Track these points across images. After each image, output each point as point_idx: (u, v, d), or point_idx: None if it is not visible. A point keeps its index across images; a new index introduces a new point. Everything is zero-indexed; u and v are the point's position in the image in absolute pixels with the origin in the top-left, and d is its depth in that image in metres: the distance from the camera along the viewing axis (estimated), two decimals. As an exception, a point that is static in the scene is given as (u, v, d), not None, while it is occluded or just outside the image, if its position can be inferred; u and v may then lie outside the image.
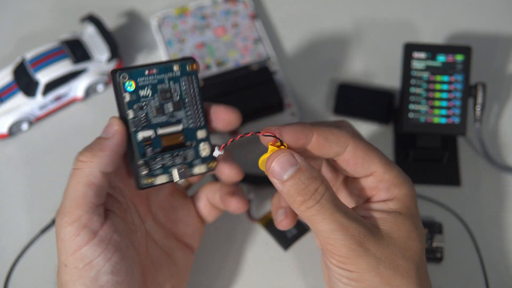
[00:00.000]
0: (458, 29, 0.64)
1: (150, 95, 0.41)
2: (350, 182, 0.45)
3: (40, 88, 0.57)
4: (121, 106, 0.40)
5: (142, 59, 0.63)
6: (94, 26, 0.61)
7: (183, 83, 0.42)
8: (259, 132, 0.39)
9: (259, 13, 0.65)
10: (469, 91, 0.54)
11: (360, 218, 0.38)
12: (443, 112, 0.53)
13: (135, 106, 0.40)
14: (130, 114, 0.40)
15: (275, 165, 0.38)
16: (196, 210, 0.48)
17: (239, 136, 0.39)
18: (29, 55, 0.58)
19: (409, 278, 0.38)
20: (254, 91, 0.58)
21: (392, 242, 0.38)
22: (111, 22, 0.64)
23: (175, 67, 0.41)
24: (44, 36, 0.62)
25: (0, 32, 0.65)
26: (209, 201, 0.48)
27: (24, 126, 0.59)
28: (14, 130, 0.58)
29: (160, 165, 0.41)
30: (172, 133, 0.42)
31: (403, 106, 0.54)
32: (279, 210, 0.45)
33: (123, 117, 0.41)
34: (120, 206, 0.42)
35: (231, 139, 0.39)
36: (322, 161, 0.46)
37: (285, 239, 0.53)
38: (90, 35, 0.61)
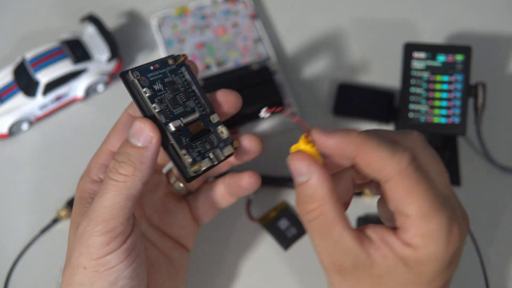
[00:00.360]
0: (458, 29, 0.64)
1: (162, 88, 0.41)
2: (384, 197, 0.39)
3: (40, 88, 0.57)
4: (144, 103, 0.40)
5: (142, 59, 0.63)
6: (94, 26, 0.61)
7: (181, 74, 0.43)
8: (306, 126, 0.36)
9: (259, 13, 0.65)
10: (469, 91, 0.54)
11: (350, 249, 0.35)
12: (443, 112, 0.53)
13: (156, 100, 0.40)
14: (157, 107, 0.40)
15: (291, 167, 0.36)
16: (192, 211, 0.48)
17: (280, 109, 0.38)
18: (29, 55, 0.58)
19: None
20: (254, 91, 0.58)
21: (372, 280, 0.35)
22: (111, 22, 0.64)
23: (170, 61, 0.42)
24: (44, 36, 0.62)
25: (0, 32, 0.65)
26: (209, 198, 0.47)
27: (24, 126, 0.59)
28: (14, 130, 0.58)
29: (197, 153, 0.41)
30: (193, 120, 0.42)
31: (403, 106, 0.54)
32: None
33: (148, 116, 0.40)
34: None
35: (280, 108, 0.39)
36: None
37: (285, 239, 0.53)
38: (90, 35, 0.61)
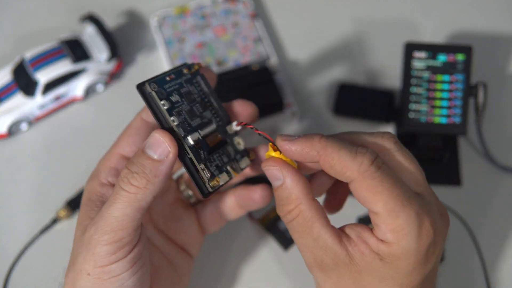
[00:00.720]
0: (459, 28, 0.64)
1: (179, 99, 0.40)
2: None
3: (40, 88, 0.57)
4: (162, 116, 0.38)
5: (142, 59, 0.63)
6: (94, 25, 0.61)
7: (197, 83, 0.41)
8: (270, 140, 0.39)
9: (259, 13, 0.65)
10: (469, 91, 0.54)
11: (330, 246, 0.36)
12: (444, 112, 0.53)
13: (174, 112, 0.39)
14: (175, 120, 0.38)
15: (266, 172, 0.38)
16: (199, 220, 0.47)
17: (250, 126, 0.41)
18: (29, 54, 0.58)
19: None
20: (254, 91, 0.57)
21: (352, 276, 0.36)
22: (111, 21, 0.64)
23: (185, 70, 0.41)
24: (44, 35, 0.62)
25: (0, 31, 0.65)
26: (218, 209, 0.47)
27: (24, 126, 0.59)
28: (13, 130, 0.58)
29: (215, 167, 0.40)
30: (211, 132, 0.41)
31: (403, 106, 0.53)
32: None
33: (166, 128, 0.39)
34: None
35: (249, 125, 0.41)
36: None
37: (285, 239, 0.53)
38: (90, 35, 0.61)
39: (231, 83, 0.58)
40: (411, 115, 0.53)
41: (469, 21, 0.64)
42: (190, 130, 0.39)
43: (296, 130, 0.59)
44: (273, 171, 0.38)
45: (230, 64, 0.61)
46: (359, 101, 0.59)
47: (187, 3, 0.65)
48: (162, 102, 0.38)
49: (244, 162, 0.43)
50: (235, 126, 0.41)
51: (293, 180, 0.37)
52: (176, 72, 0.41)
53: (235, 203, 0.46)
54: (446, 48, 0.54)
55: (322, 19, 0.65)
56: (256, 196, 0.45)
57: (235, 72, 0.59)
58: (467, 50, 0.54)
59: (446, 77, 0.54)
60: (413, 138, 0.55)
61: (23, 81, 0.57)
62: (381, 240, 0.36)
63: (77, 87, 0.59)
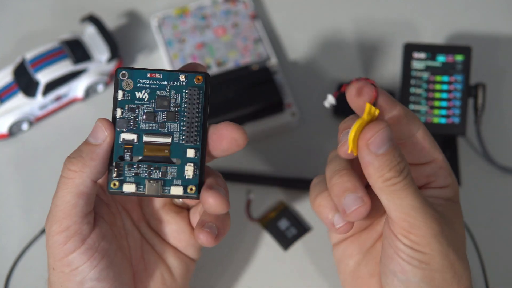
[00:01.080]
0: (458, 29, 0.64)
1: (146, 99, 0.39)
2: None
3: (40, 88, 0.57)
4: (113, 103, 0.39)
5: (142, 59, 0.63)
6: (94, 26, 0.61)
7: (186, 95, 0.39)
8: (368, 79, 0.38)
9: (259, 13, 0.65)
10: (469, 91, 0.54)
11: (431, 201, 0.39)
12: (443, 112, 0.53)
13: (126, 106, 0.39)
14: (118, 112, 0.39)
15: (375, 138, 0.36)
16: (192, 224, 0.45)
17: (345, 86, 0.39)
18: (29, 55, 0.58)
19: (466, 263, 0.39)
20: (254, 91, 0.58)
21: (454, 228, 0.39)
22: (111, 22, 0.64)
23: (182, 77, 0.39)
24: (44, 36, 0.62)
25: (0, 32, 0.65)
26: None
27: (24, 126, 0.59)
28: (14, 130, 0.58)
29: (133, 174, 0.38)
30: (158, 143, 0.39)
31: (403, 106, 0.54)
32: (336, 214, 0.41)
33: (113, 116, 0.39)
34: (109, 211, 0.42)
35: (343, 86, 0.38)
36: None
37: (285, 239, 0.53)
38: (90, 35, 0.61)
39: (231, 83, 0.58)
40: (411, 115, 0.53)
41: (469, 22, 0.64)
42: (131, 130, 0.39)
43: (296, 130, 0.59)
44: (386, 134, 0.36)
45: (230, 65, 0.61)
46: (359, 102, 0.59)
47: (187, 4, 0.65)
48: (120, 91, 0.39)
49: (176, 190, 0.38)
50: (331, 98, 0.38)
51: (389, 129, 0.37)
52: (170, 74, 0.39)
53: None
54: (445, 48, 0.54)
55: (322, 19, 0.65)
56: (197, 240, 0.41)
57: (235, 73, 0.59)
58: (466, 50, 0.54)
59: (445, 78, 0.54)
60: (413, 138, 0.55)
61: (24, 82, 0.58)
62: (443, 187, 0.41)
63: (78, 87, 0.59)
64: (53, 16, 0.66)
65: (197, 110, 0.39)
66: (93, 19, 0.61)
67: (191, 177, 0.39)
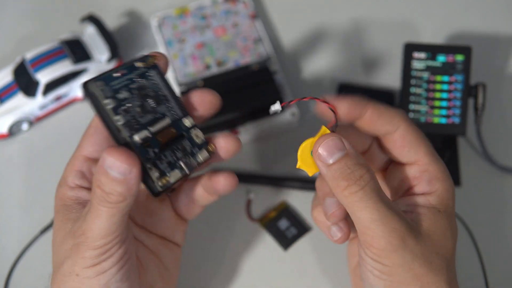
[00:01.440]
0: (458, 29, 0.64)
1: (128, 96, 0.38)
2: (389, 172, 0.44)
3: (40, 88, 0.57)
4: (107, 116, 0.37)
5: (142, 59, 0.63)
6: (94, 26, 0.61)
7: (151, 77, 0.40)
8: (317, 98, 0.39)
9: (259, 13, 0.65)
10: (469, 91, 0.54)
11: (400, 212, 0.38)
12: (443, 112, 0.53)
13: (120, 111, 0.38)
14: (121, 119, 0.38)
15: (323, 148, 0.37)
16: (175, 209, 0.46)
17: (296, 100, 0.40)
18: (29, 55, 0.58)
19: (440, 276, 0.38)
20: (254, 91, 0.58)
21: (429, 239, 0.38)
22: (111, 22, 0.64)
23: (138, 64, 0.39)
24: (44, 36, 0.62)
25: (0, 32, 0.65)
26: (190, 197, 0.46)
27: (24, 126, 0.59)
28: (14, 130, 0.58)
29: (166, 164, 0.39)
30: (163, 128, 0.39)
31: (403, 106, 0.54)
32: (332, 226, 0.43)
33: (112, 128, 0.37)
34: None
35: (296, 99, 0.40)
36: (371, 142, 0.44)
37: (285, 239, 0.53)
38: (90, 35, 0.61)
39: (231, 83, 0.58)
40: (411, 115, 0.53)
41: (469, 22, 0.64)
42: (138, 128, 0.38)
43: (296, 130, 0.59)
44: (334, 143, 0.37)
45: (230, 65, 0.61)
46: (359, 102, 0.59)
47: (187, 4, 0.65)
48: (107, 101, 0.37)
49: (202, 155, 0.41)
50: (278, 105, 0.40)
51: (353, 147, 0.38)
52: (129, 67, 0.39)
53: (204, 192, 0.45)
54: (445, 48, 0.54)
55: (322, 19, 0.65)
56: (219, 186, 0.43)
57: (235, 72, 0.59)
58: (466, 50, 0.54)
59: (445, 78, 0.54)
60: (413, 138, 0.55)
61: (24, 82, 0.58)
62: (427, 194, 0.39)
63: (78, 87, 0.59)
64: (53, 16, 0.66)
65: (167, 86, 0.40)
66: (93, 19, 0.61)
67: (201, 140, 0.41)
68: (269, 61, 0.61)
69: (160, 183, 0.38)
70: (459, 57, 0.54)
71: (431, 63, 0.54)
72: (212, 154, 0.41)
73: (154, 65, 0.40)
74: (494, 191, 0.56)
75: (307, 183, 0.56)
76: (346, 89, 0.60)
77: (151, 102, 0.39)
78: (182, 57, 0.62)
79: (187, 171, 0.39)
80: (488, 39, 0.63)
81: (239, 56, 0.62)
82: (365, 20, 0.65)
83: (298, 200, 0.55)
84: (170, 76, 0.61)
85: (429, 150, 0.40)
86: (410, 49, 0.54)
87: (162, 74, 0.40)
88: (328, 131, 0.39)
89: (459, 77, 0.54)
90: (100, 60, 0.60)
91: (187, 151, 0.40)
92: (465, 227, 0.53)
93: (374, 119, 0.40)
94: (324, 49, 0.63)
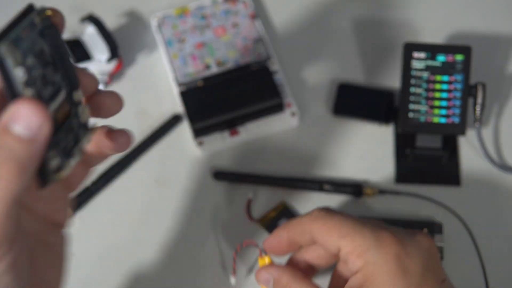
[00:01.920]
0: (458, 29, 0.64)
1: (34, 62, 0.30)
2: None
3: (40, 88, 0.57)
4: (15, 87, 0.28)
5: (142, 59, 0.63)
6: (94, 26, 0.61)
7: (49, 36, 0.32)
8: (260, 255, 0.44)
9: (259, 13, 0.65)
10: (469, 91, 0.54)
11: None
12: (443, 112, 0.53)
13: (30, 82, 0.29)
14: (29, 93, 0.29)
15: (260, 281, 0.43)
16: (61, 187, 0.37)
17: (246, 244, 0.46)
18: (29, 55, 0.58)
19: None
20: (254, 91, 0.58)
21: None
22: (111, 22, 0.64)
23: (37, 19, 0.32)
24: (44, 36, 0.62)
25: (0, 32, 0.65)
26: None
27: (24, 126, 0.59)
28: (14, 130, 0.58)
29: (62, 151, 0.32)
30: (61, 104, 0.31)
31: (403, 106, 0.54)
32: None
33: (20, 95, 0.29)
34: None
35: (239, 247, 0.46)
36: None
37: (285, 239, 0.53)
38: (90, 35, 0.61)
39: (231, 83, 0.58)
40: (411, 115, 0.53)
41: (469, 22, 0.64)
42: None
43: (295, 130, 0.59)
44: (262, 277, 0.43)
45: (230, 64, 0.61)
46: (359, 101, 0.59)
47: (187, 3, 0.65)
48: (18, 69, 0.29)
49: (87, 138, 0.34)
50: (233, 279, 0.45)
51: (279, 271, 0.42)
52: (29, 23, 0.31)
53: (95, 151, 0.37)
54: (445, 48, 0.54)
55: (322, 19, 0.65)
56: (120, 141, 0.36)
57: (235, 72, 0.59)
58: (466, 50, 0.54)
59: (445, 77, 0.54)
60: (412, 138, 0.55)
61: (24, 82, 0.57)
62: (353, 275, 0.39)
63: (78, 87, 0.59)
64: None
65: (62, 49, 0.33)
66: (93, 19, 0.61)
67: (87, 117, 0.34)
68: (269, 61, 0.61)
69: (56, 177, 0.31)
70: (459, 57, 0.54)
71: (431, 63, 0.54)
72: (94, 131, 0.35)
73: (49, 20, 0.33)
74: (494, 191, 0.56)
75: (307, 183, 0.56)
76: (345, 89, 0.60)
77: (50, 71, 0.31)
78: (182, 57, 0.62)
79: (79, 158, 0.33)
80: (488, 39, 0.63)
81: (239, 56, 0.62)
82: (365, 20, 0.65)
83: (298, 200, 0.55)
84: (170, 76, 0.61)
85: (343, 230, 0.40)
86: (410, 48, 0.54)
87: (59, 34, 0.33)
88: (264, 262, 0.44)
89: (459, 77, 0.54)
90: (100, 60, 0.60)
91: (74, 131, 0.33)
92: (465, 227, 0.53)
93: (293, 244, 0.44)
94: (324, 48, 0.63)
